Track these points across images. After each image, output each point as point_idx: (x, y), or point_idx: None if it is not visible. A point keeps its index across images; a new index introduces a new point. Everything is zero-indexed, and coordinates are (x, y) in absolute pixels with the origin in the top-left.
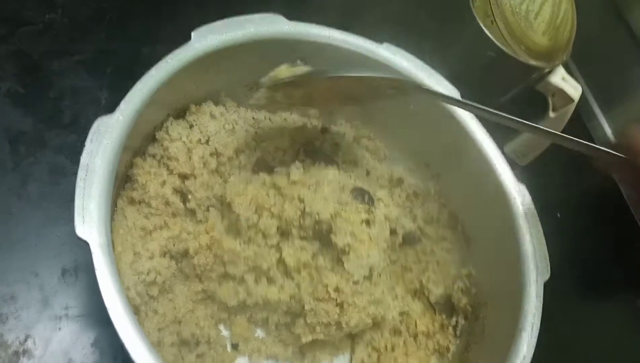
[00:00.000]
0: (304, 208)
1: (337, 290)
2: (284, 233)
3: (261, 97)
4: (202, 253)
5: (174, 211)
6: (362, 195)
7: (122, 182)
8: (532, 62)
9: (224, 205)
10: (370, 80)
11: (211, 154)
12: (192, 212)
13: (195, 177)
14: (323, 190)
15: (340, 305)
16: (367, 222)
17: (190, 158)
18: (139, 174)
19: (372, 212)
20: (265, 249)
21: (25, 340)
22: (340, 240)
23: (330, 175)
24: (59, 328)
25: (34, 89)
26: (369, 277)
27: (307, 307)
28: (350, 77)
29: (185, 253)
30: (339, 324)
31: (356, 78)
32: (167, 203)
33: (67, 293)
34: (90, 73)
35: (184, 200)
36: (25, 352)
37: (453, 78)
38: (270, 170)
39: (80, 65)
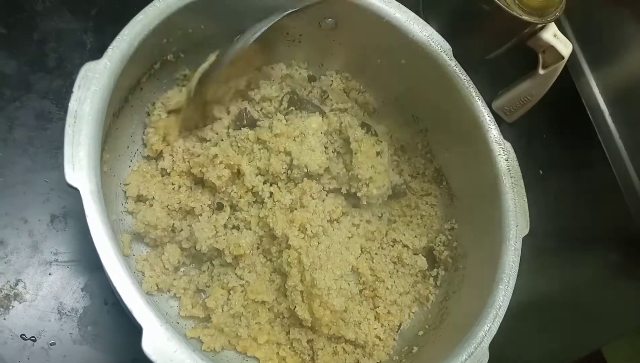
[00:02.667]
0: (291, 161)
1: None
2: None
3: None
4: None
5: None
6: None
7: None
8: (525, 17)
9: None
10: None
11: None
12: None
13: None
14: (309, 141)
15: None
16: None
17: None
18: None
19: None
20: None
21: (16, 284)
22: None
23: (314, 123)
24: (49, 274)
25: (18, 31)
26: None
27: None
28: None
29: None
30: None
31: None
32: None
33: (56, 239)
34: (74, 15)
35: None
36: (16, 295)
37: (446, 31)
38: (253, 124)
39: (65, 7)
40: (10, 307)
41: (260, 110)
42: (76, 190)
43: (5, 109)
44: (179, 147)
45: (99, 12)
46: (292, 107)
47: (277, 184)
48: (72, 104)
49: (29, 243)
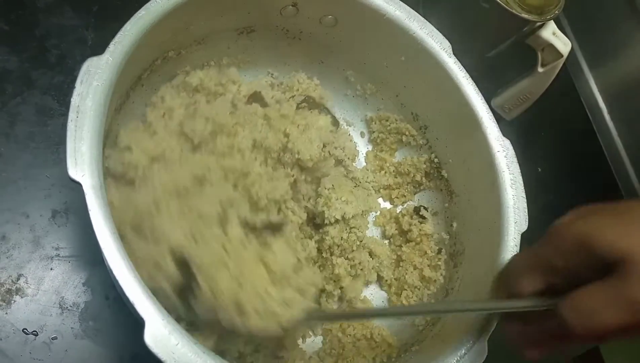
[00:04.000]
0: (287, 143)
1: None
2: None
3: None
4: None
5: None
6: None
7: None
8: (524, 15)
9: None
10: None
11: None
12: None
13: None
14: (310, 132)
15: None
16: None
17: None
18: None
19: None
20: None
21: (18, 279)
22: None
23: (322, 121)
24: (51, 268)
25: (19, 27)
26: None
27: None
28: None
29: None
30: None
31: None
32: None
33: (57, 234)
34: (76, 11)
35: None
36: (18, 290)
37: (445, 28)
38: (264, 105)
39: (66, 3)
40: (12, 302)
41: (272, 97)
42: (78, 184)
43: (6, 104)
44: None
45: (100, 9)
46: (304, 104)
47: (267, 160)
48: (75, 99)
49: (31, 239)
